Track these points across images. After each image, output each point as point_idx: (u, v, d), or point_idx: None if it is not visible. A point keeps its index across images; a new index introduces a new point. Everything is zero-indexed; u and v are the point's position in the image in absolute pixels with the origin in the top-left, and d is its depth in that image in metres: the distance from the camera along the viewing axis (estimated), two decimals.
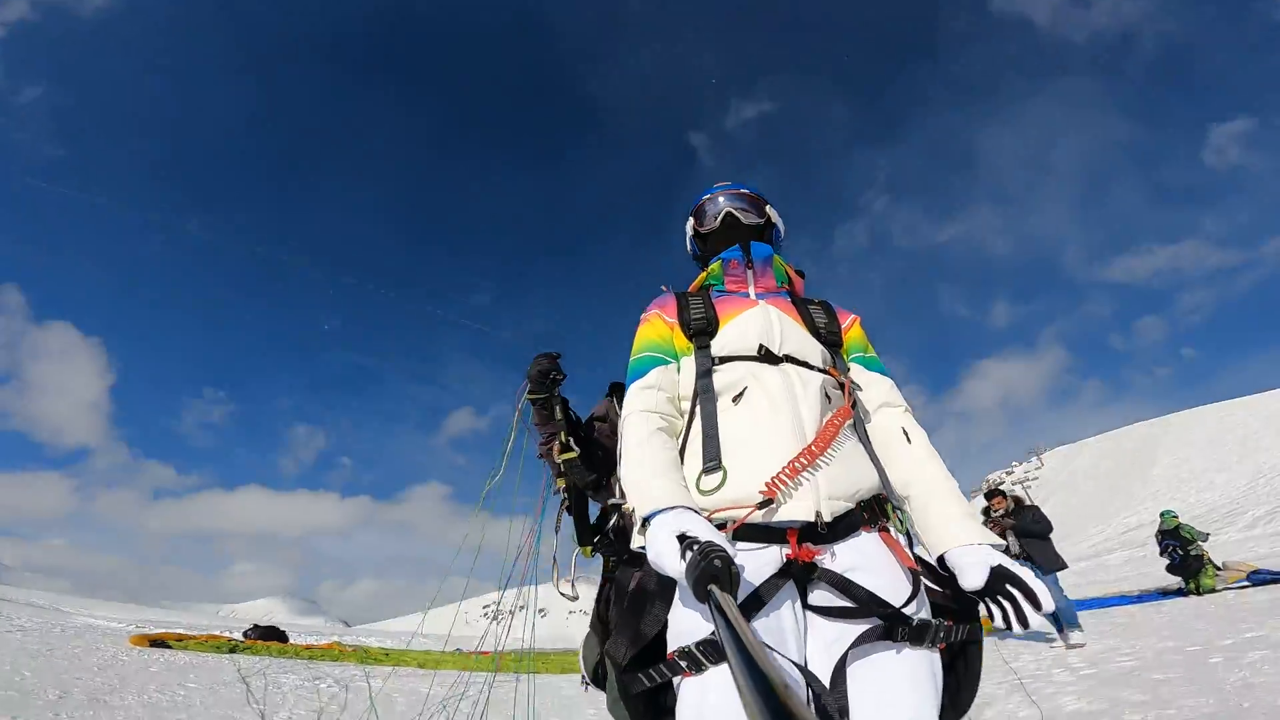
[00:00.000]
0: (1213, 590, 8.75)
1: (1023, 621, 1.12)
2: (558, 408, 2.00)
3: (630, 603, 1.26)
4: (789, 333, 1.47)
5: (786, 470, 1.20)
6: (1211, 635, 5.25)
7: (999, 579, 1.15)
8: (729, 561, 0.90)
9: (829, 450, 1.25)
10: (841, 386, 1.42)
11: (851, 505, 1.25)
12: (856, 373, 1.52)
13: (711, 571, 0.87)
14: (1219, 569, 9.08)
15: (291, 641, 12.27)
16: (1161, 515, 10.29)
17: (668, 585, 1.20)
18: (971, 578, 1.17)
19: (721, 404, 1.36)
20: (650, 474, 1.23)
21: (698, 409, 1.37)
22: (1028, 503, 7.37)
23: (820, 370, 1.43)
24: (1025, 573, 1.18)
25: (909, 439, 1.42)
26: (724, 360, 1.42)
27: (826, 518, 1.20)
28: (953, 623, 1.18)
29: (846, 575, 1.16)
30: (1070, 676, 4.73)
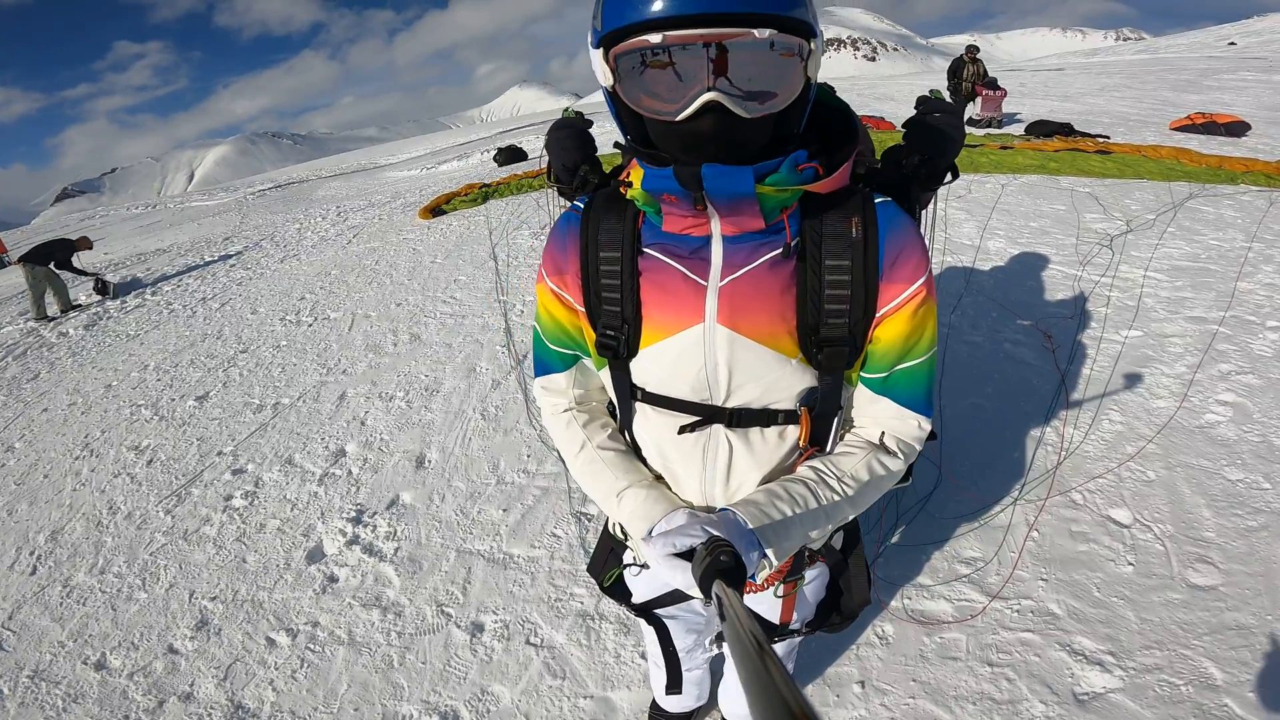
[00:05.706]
0: None
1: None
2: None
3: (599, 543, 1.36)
4: None
5: None
6: None
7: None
8: (736, 556, 0.81)
9: None
10: None
11: None
12: None
13: (718, 567, 0.78)
14: None
15: (530, 157, 15.42)
16: None
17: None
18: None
19: None
20: (610, 491, 1.09)
21: None
22: None
23: None
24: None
25: None
26: None
27: None
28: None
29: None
30: None
